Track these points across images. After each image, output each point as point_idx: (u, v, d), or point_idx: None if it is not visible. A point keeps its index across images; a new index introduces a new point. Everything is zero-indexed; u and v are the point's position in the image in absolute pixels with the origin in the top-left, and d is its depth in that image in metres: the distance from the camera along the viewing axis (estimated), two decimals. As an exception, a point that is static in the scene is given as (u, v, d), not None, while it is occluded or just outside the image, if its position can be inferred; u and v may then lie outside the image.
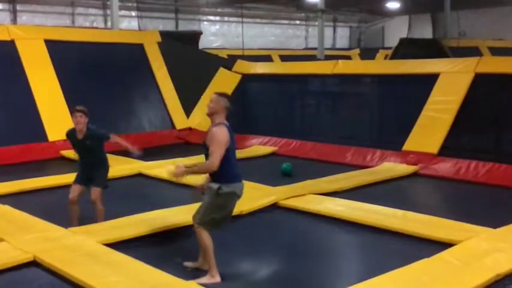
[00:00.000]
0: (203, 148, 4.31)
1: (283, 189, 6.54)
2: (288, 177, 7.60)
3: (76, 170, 7.76)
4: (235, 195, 4.35)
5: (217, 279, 4.22)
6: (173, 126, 11.32)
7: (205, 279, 4.17)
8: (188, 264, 4.48)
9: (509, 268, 4.06)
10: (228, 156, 4.25)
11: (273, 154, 9.42)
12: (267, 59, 20.01)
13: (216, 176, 4.25)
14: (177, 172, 4.34)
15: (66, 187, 7.13)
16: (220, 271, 4.41)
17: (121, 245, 4.80)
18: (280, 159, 8.58)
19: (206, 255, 4.26)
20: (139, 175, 7.86)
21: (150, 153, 9.16)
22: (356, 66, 11.14)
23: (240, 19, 20.47)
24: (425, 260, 4.21)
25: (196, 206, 4.50)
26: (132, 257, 4.39)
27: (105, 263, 4.29)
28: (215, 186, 4.23)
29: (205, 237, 4.24)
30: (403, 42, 18.77)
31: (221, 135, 4.23)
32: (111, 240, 4.88)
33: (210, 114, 4.41)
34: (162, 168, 7.91)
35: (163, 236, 5.18)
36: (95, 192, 5.47)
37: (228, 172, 4.27)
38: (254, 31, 26.35)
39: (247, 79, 11.68)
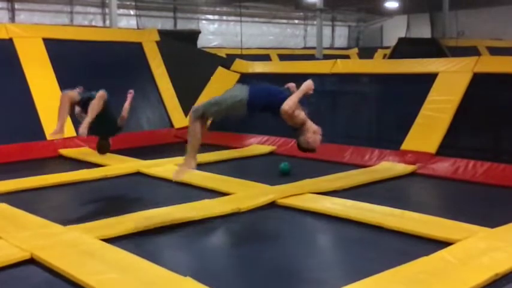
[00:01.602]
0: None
1: (281, 188, 6.54)
2: (286, 176, 7.60)
3: (74, 169, 7.78)
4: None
5: (192, 166, 4.29)
6: (171, 125, 11.31)
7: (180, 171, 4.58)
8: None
9: (508, 267, 4.06)
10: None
11: (271, 153, 9.43)
12: (266, 58, 20.04)
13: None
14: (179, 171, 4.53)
15: (64, 185, 7.17)
16: (218, 267, 4.41)
17: (119, 241, 4.81)
18: (278, 159, 8.58)
19: (190, 143, 4.42)
20: (138, 174, 7.85)
21: (148, 151, 9.20)
22: (354, 65, 11.13)
23: (238, 18, 20.51)
24: (423, 258, 4.21)
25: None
26: (129, 253, 4.39)
27: (103, 259, 4.28)
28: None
29: (196, 128, 4.41)
30: (401, 41, 18.82)
31: None
32: (108, 237, 4.88)
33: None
34: (160, 167, 7.94)
35: (162, 232, 5.18)
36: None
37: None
38: (253, 30, 26.39)
39: (245, 78, 11.66)
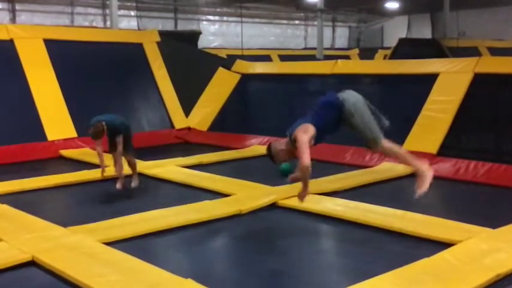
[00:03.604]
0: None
1: (282, 189, 6.53)
2: (287, 177, 7.58)
3: (75, 170, 7.78)
4: (349, 99, 4.57)
5: (430, 174, 4.46)
6: (172, 125, 11.31)
7: (424, 181, 4.39)
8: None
9: (509, 268, 4.05)
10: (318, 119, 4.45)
11: (272, 154, 9.39)
12: (266, 58, 20.03)
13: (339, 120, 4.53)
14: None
15: (65, 187, 7.16)
16: (220, 269, 4.41)
17: (120, 244, 4.80)
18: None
19: (406, 158, 4.32)
20: (139, 175, 7.83)
21: (149, 152, 9.18)
22: (355, 66, 11.13)
23: (239, 19, 20.51)
24: (425, 259, 4.20)
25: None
26: (131, 255, 4.39)
27: (104, 262, 4.28)
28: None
29: (391, 145, 4.30)
30: (402, 42, 18.80)
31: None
32: (110, 239, 4.87)
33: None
34: (161, 168, 7.93)
35: (163, 234, 5.17)
36: (129, 157, 6.82)
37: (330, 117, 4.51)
38: (253, 31, 26.38)
39: (246, 79, 11.68)
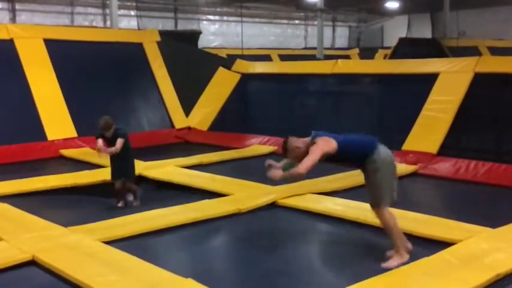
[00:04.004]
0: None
1: (282, 188, 6.53)
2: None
3: (75, 169, 7.77)
4: (384, 158, 4.31)
5: (406, 257, 4.26)
6: (172, 125, 11.30)
7: (394, 262, 4.22)
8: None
9: (509, 268, 4.06)
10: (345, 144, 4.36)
11: (272, 153, 9.40)
12: (266, 58, 20.03)
13: (360, 163, 4.38)
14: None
15: (65, 186, 7.15)
16: (219, 268, 4.41)
17: (120, 243, 4.80)
18: (279, 159, 8.53)
19: (393, 235, 4.28)
20: (139, 175, 7.83)
21: (149, 152, 9.18)
22: (355, 65, 11.13)
23: (239, 18, 20.50)
24: (425, 259, 4.20)
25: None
26: (130, 255, 4.39)
27: (104, 261, 4.28)
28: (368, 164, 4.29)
29: (388, 217, 4.25)
30: (402, 41, 18.79)
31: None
32: (110, 239, 4.87)
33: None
34: (161, 169, 7.91)
35: (163, 234, 5.17)
36: (131, 185, 6.58)
37: (360, 150, 4.29)
38: (253, 31, 26.37)
39: (246, 78, 11.68)
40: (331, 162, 4.62)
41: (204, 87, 11.87)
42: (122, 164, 6.52)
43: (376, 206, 4.37)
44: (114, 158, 6.53)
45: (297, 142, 4.52)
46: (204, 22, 25.48)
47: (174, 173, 7.70)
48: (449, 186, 7.23)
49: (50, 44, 10.38)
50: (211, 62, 12.38)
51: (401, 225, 5.14)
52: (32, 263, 4.39)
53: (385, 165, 4.37)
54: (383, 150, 4.43)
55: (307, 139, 4.51)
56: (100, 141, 6.34)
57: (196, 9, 25.06)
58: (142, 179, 7.65)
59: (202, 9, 25.30)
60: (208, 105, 11.58)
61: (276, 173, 4.54)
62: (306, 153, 4.41)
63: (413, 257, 4.26)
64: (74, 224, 5.23)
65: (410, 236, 4.97)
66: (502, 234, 4.84)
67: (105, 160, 7.71)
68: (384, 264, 4.28)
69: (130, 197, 6.66)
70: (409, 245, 4.46)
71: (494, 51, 19.00)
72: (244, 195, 6.35)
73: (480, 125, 8.19)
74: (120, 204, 6.52)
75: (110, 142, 6.35)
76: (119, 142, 6.31)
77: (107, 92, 10.70)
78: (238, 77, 11.72)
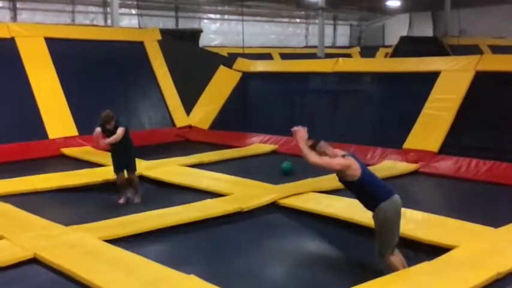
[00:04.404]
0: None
1: (283, 187, 6.53)
2: (288, 175, 7.59)
3: (76, 168, 7.77)
4: (394, 204, 4.28)
5: None
6: (173, 124, 11.30)
7: None
8: None
9: (510, 267, 4.05)
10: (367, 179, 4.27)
11: (273, 152, 9.41)
12: (267, 57, 20.01)
13: (369, 202, 4.29)
14: None
15: (66, 185, 7.15)
16: (221, 266, 4.41)
17: (121, 242, 4.80)
18: (280, 158, 8.57)
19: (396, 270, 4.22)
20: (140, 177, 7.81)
21: (150, 151, 9.18)
22: (356, 64, 11.12)
23: (240, 17, 20.44)
24: (426, 262, 4.18)
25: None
26: (132, 253, 4.39)
27: (105, 259, 4.29)
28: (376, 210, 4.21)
29: (397, 263, 4.17)
30: (403, 40, 18.75)
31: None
32: (111, 237, 4.87)
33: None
34: (162, 168, 7.89)
35: (164, 232, 5.18)
36: (133, 175, 6.69)
37: (376, 191, 4.27)
38: (254, 29, 26.32)
39: (247, 77, 11.67)
40: (341, 184, 4.56)
41: (205, 85, 11.87)
42: (123, 154, 6.60)
43: (378, 254, 4.31)
44: (115, 149, 6.62)
45: (328, 150, 4.43)
46: (205, 21, 25.44)
47: (175, 173, 7.69)
48: (450, 184, 7.23)
49: (50, 42, 10.38)
50: (212, 60, 12.37)
51: (402, 226, 5.13)
52: (34, 260, 4.40)
53: (393, 219, 4.31)
54: (396, 200, 4.37)
55: (339, 152, 4.46)
56: (98, 129, 6.48)
57: (197, 7, 25.03)
58: (144, 179, 7.65)
59: (203, 7, 25.26)
60: (209, 103, 11.58)
61: (301, 136, 4.41)
62: (328, 163, 4.37)
63: (415, 256, 4.26)
64: (75, 223, 5.24)
65: (411, 236, 4.98)
66: (503, 233, 4.83)
67: (106, 158, 7.74)
68: None
69: (131, 194, 6.68)
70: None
71: (495, 49, 18.99)
72: (246, 194, 6.35)
73: (481, 124, 8.19)
74: (121, 201, 6.54)
75: (110, 134, 6.45)
76: (120, 130, 6.42)
77: (108, 90, 10.70)
78: (239, 75, 11.72)
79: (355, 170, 4.27)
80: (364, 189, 4.32)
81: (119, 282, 3.88)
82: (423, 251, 4.64)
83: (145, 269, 4.08)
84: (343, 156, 4.36)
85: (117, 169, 6.65)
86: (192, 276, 3.87)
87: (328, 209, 5.76)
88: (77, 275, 4.01)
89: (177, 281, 3.87)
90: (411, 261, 4.25)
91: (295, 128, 4.34)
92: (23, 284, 4.09)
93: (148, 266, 4.14)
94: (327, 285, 4.12)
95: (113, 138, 6.38)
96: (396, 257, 4.19)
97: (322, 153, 4.38)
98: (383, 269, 4.08)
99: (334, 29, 31.62)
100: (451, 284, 3.80)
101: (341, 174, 4.31)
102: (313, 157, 4.23)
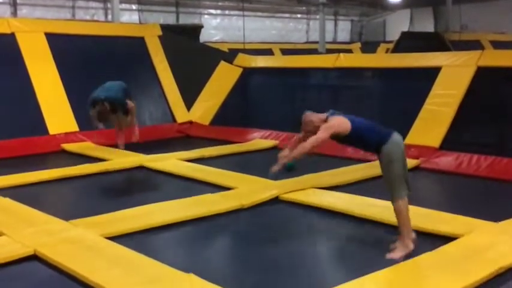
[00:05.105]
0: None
1: (284, 183, 6.52)
2: (289, 171, 7.56)
3: (77, 164, 7.76)
4: (397, 145, 4.33)
5: (410, 247, 4.24)
6: (174, 119, 11.29)
7: (399, 252, 4.20)
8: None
9: (512, 261, 4.05)
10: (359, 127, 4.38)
11: (274, 148, 9.39)
12: (268, 52, 19.99)
13: (371, 149, 4.41)
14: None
15: (67, 180, 7.16)
16: (221, 263, 4.40)
17: (122, 238, 4.80)
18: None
19: (403, 220, 4.27)
20: (141, 168, 7.83)
21: (151, 146, 9.18)
22: (357, 59, 11.10)
23: (241, 13, 20.44)
24: (428, 253, 4.19)
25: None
26: (133, 250, 4.38)
27: (106, 256, 4.28)
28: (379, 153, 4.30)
29: (405, 208, 4.24)
30: (404, 35, 18.74)
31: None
32: (112, 234, 4.87)
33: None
34: (163, 162, 7.92)
35: (165, 229, 5.17)
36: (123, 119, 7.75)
37: (373, 137, 4.32)
38: (255, 25, 26.30)
39: (248, 73, 11.66)
40: (341, 144, 4.63)
41: (206, 81, 11.86)
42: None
43: (392, 200, 4.38)
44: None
45: (312, 116, 4.56)
46: (206, 16, 25.41)
47: (176, 166, 7.69)
48: (451, 180, 7.22)
49: (51, 38, 10.36)
50: (213, 56, 12.35)
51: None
52: (34, 257, 4.39)
53: (399, 154, 4.38)
54: (396, 140, 4.43)
55: (323, 116, 4.54)
56: (94, 112, 7.23)
57: (198, 3, 25.00)
58: (144, 171, 7.67)
59: (204, 3, 25.23)
60: (210, 99, 11.56)
61: (275, 167, 4.58)
62: (317, 128, 4.44)
63: (416, 251, 4.26)
64: (76, 218, 5.22)
65: (413, 230, 4.98)
66: (504, 227, 4.83)
67: (107, 154, 7.75)
68: (389, 255, 4.27)
69: (133, 138, 7.70)
70: (413, 235, 4.46)
71: (497, 45, 18.96)
72: (247, 189, 6.34)
73: (482, 119, 8.18)
74: (120, 147, 7.56)
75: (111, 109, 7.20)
76: (132, 105, 7.42)
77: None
78: (239, 71, 11.70)
79: (342, 124, 4.36)
80: (361, 138, 4.41)
81: (118, 279, 3.87)
82: (425, 241, 4.63)
83: (145, 267, 4.07)
84: (326, 118, 4.45)
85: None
86: (191, 274, 3.86)
87: (330, 203, 5.76)
88: (77, 272, 4.00)
89: (176, 279, 3.86)
90: (413, 251, 4.25)
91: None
92: (22, 281, 4.08)
93: (148, 264, 4.13)
94: (328, 278, 4.11)
95: (132, 117, 7.55)
96: (406, 203, 4.24)
97: (309, 122, 4.49)
98: (383, 263, 4.06)
99: (335, 25, 31.60)
100: (452, 279, 3.79)
101: (335, 136, 4.37)
102: (306, 146, 4.31)
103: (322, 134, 4.39)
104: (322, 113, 4.73)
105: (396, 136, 4.46)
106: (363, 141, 4.49)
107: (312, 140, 4.40)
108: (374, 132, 4.48)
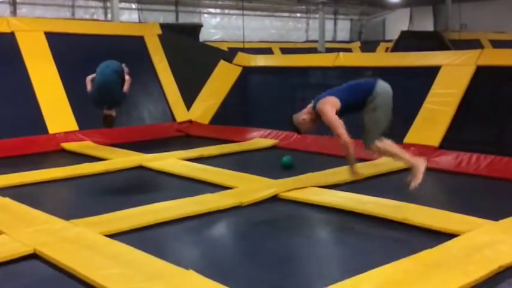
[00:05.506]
0: None
1: (283, 181, 6.52)
2: (288, 170, 7.58)
3: (77, 163, 7.76)
4: (382, 93, 4.37)
5: (421, 162, 4.55)
6: (173, 118, 11.29)
7: (418, 176, 4.54)
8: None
9: (511, 260, 4.05)
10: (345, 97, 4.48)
11: (273, 147, 9.41)
12: (268, 51, 20.02)
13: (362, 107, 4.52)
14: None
15: (67, 180, 7.16)
16: (221, 261, 4.40)
17: (122, 236, 4.80)
18: (281, 152, 8.56)
19: (397, 156, 4.34)
20: (141, 167, 7.84)
21: (150, 145, 9.19)
22: (357, 58, 11.10)
23: (240, 12, 20.43)
24: (427, 251, 4.20)
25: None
26: (132, 247, 4.38)
27: (106, 254, 4.28)
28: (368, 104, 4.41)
29: (388, 146, 4.34)
30: (404, 34, 18.75)
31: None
32: (112, 232, 4.87)
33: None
34: (163, 161, 7.93)
35: (165, 227, 5.18)
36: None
37: (360, 97, 4.42)
38: (255, 24, 26.32)
39: (247, 72, 11.66)
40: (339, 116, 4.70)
41: (205, 80, 11.85)
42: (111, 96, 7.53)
43: (365, 143, 4.44)
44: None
45: (301, 115, 4.63)
46: (205, 15, 25.43)
47: (175, 165, 7.70)
48: (451, 179, 7.22)
49: (51, 37, 10.35)
50: (213, 55, 12.35)
51: (403, 218, 5.16)
52: (34, 256, 4.39)
53: (384, 102, 4.43)
54: (381, 87, 4.49)
55: (309, 106, 4.59)
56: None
57: (198, 2, 25.01)
58: (143, 169, 7.67)
59: (204, 2, 25.24)
60: (210, 98, 11.56)
61: (350, 170, 4.63)
62: (313, 119, 4.49)
63: (416, 249, 4.26)
64: (76, 217, 5.22)
65: (411, 228, 4.99)
66: (504, 226, 4.83)
67: (107, 153, 7.75)
68: (411, 187, 4.32)
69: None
70: (415, 159, 4.51)
71: (496, 44, 18.97)
72: (246, 188, 6.35)
73: (482, 118, 8.18)
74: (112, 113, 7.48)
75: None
76: (128, 78, 7.67)
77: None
78: (239, 70, 11.70)
79: (336, 104, 4.44)
80: (351, 104, 4.48)
81: (118, 277, 3.87)
82: (423, 239, 4.64)
83: (144, 264, 4.07)
84: (314, 107, 4.53)
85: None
86: (190, 271, 3.86)
87: (329, 201, 5.76)
88: (77, 271, 4.00)
89: (175, 275, 3.86)
90: (412, 250, 4.23)
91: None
92: (22, 280, 4.08)
93: (148, 261, 4.13)
94: (326, 275, 4.11)
95: (128, 87, 7.65)
96: (383, 142, 4.30)
97: (303, 121, 4.59)
98: (382, 260, 4.07)
99: (335, 24, 31.61)
100: (451, 277, 3.79)
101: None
102: (343, 138, 4.36)
103: (334, 118, 4.46)
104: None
105: (381, 84, 4.52)
106: (355, 104, 4.54)
107: (332, 126, 4.46)
108: (359, 91, 4.56)
